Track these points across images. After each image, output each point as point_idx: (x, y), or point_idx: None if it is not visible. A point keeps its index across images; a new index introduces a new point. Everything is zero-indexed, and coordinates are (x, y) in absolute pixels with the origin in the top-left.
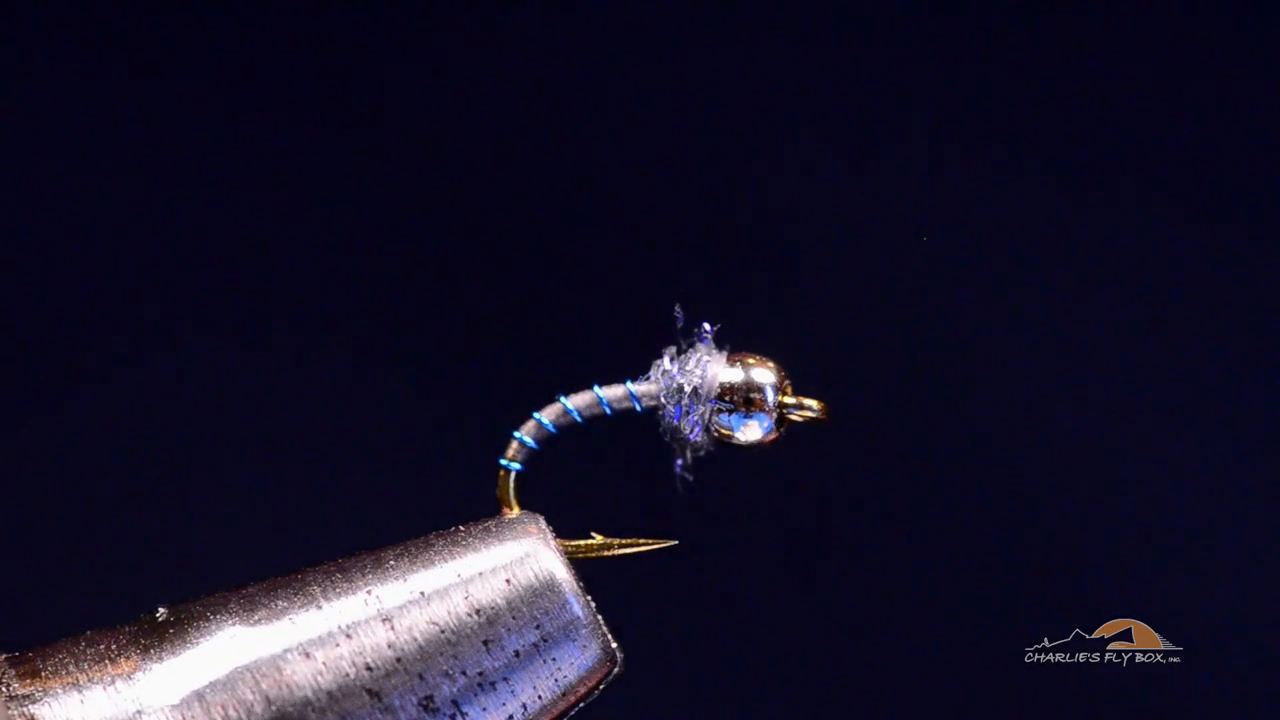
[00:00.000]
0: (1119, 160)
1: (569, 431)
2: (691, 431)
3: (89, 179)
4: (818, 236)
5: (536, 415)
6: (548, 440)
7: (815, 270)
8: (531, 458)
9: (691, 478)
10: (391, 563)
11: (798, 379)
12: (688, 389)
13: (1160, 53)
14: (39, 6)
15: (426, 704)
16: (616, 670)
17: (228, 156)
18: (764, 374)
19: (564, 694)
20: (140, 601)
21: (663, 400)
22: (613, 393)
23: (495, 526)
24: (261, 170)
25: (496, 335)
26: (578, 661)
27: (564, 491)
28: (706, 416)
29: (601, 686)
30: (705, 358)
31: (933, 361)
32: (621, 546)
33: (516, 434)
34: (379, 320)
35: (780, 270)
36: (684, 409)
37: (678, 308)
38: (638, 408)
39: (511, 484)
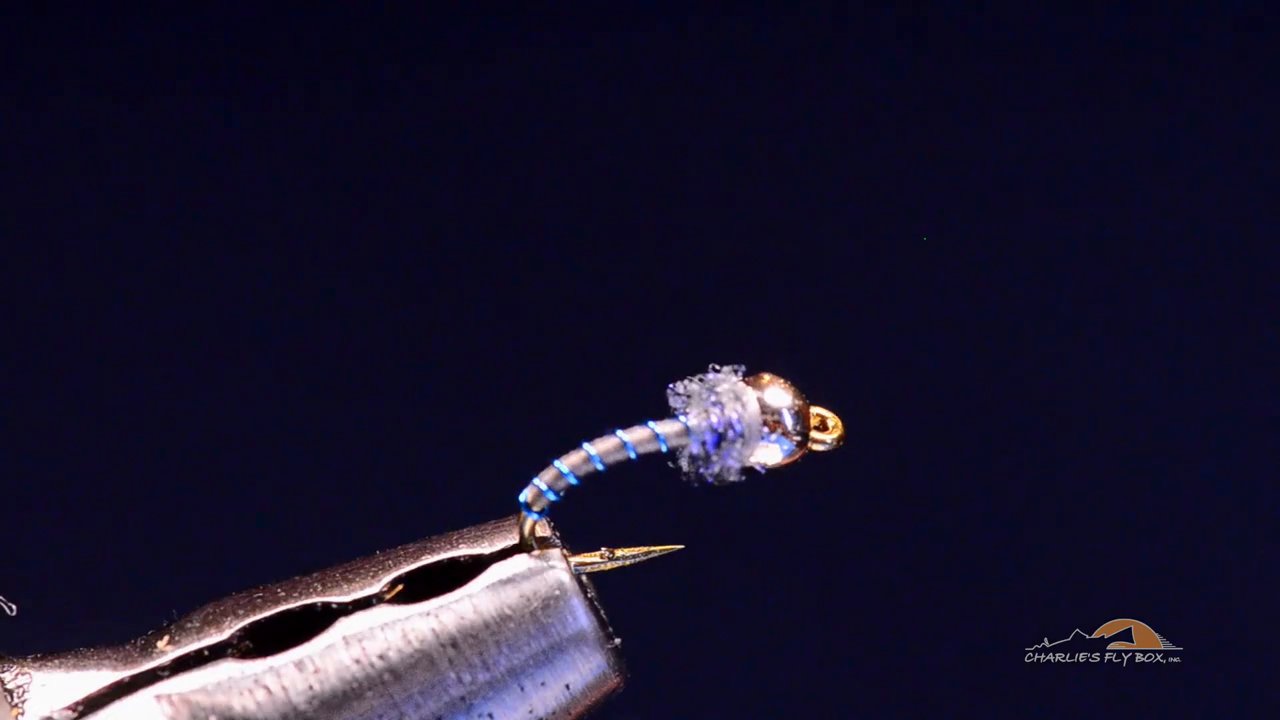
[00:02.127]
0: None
1: (591, 480)
2: (729, 464)
3: None
4: (819, 242)
5: (557, 464)
6: (568, 490)
7: (813, 271)
8: (552, 506)
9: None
10: (398, 569)
11: (796, 381)
12: (724, 423)
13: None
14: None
15: (431, 712)
16: (623, 682)
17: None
18: (783, 396)
19: (570, 705)
20: (142, 603)
21: (695, 438)
22: (637, 435)
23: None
24: (273, 170)
25: (501, 341)
26: (585, 672)
27: (569, 498)
28: (749, 450)
29: (608, 698)
30: (736, 389)
31: (934, 363)
32: (629, 557)
33: (537, 482)
34: (386, 326)
35: (778, 277)
36: (721, 444)
37: (713, 366)
38: (664, 449)
39: (530, 528)
